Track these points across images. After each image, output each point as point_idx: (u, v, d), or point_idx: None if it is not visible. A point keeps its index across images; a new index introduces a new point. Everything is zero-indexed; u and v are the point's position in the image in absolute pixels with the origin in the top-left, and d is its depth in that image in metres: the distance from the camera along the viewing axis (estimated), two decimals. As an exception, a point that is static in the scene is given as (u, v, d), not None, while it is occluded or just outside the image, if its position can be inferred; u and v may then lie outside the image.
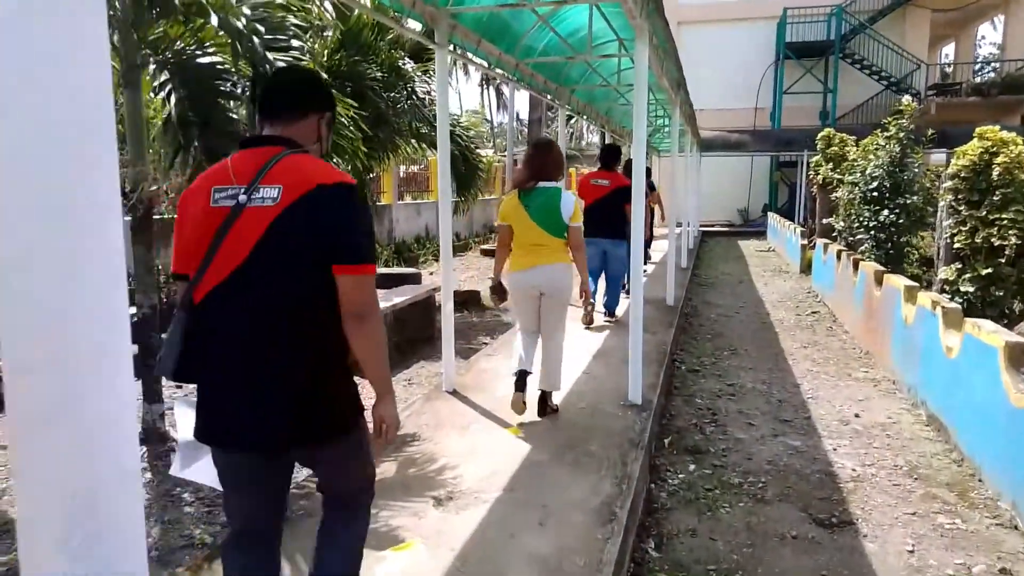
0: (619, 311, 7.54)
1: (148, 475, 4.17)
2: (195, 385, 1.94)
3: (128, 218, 4.28)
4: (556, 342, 4.40)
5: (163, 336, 1.93)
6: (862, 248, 9.03)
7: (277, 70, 2.57)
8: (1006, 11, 22.02)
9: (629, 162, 7.33)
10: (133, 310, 6.65)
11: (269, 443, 1.88)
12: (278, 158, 1.84)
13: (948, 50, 28.63)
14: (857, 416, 5.43)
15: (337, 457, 2.01)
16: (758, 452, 4.70)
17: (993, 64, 25.99)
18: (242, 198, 1.81)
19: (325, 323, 1.87)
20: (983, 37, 33.65)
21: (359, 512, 2.16)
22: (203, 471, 2.01)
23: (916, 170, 8.72)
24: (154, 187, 4.28)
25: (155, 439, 4.49)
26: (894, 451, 4.76)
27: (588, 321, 6.79)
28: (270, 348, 1.83)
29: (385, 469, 3.72)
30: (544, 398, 4.49)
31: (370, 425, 2.05)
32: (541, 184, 4.23)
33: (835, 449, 4.77)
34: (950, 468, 4.47)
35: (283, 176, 1.82)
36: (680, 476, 4.32)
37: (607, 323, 7.33)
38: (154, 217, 4.46)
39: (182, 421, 2.04)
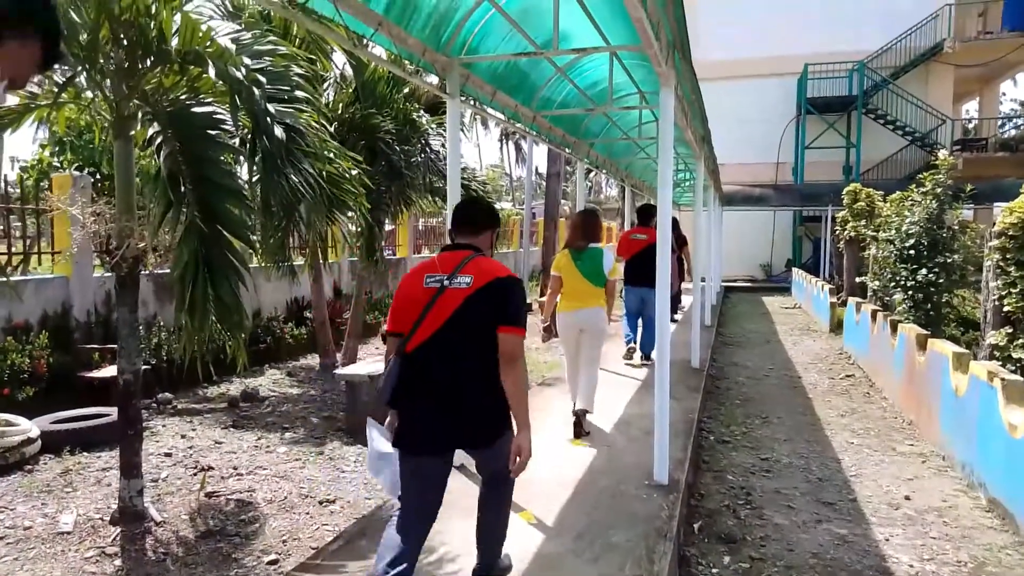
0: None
1: (118, 561, 3.75)
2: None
3: (111, 274, 3.97)
4: (593, 369, 5.40)
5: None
6: (899, 308, 8.53)
7: (466, 200, 3.24)
8: (1031, 67, 21.78)
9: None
10: (112, 373, 6.35)
11: (460, 442, 2.83)
12: (469, 258, 2.78)
13: (970, 106, 28.37)
14: (907, 499, 4.89)
15: (498, 452, 2.79)
16: (800, 542, 4.19)
17: (1016, 120, 25.66)
18: (445, 282, 2.73)
19: (496, 365, 2.74)
20: (1004, 94, 33.40)
21: (503, 488, 2.99)
22: (387, 479, 2.76)
23: (955, 227, 8.27)
24: (141, 244, 3.97)
25: (131, 518, 4.09)
26: (954, 543, 4.22)
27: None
28: (460, 381, 2.72)
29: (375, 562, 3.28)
30: (578, 417, 5.29)
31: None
32: (590, 246, 5.37)
33: (887, 539, 4.24)
34: (1023, 565, 3.93)
35: (473, 270, 2.74)
36: (714, 571, 3.82)
37: (645, 364, 7.80)
38: (140, 274, 4.15)
39: (375, 437, 2.82)
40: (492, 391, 2.73)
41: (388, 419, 2.83)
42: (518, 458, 2.70)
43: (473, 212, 2.98)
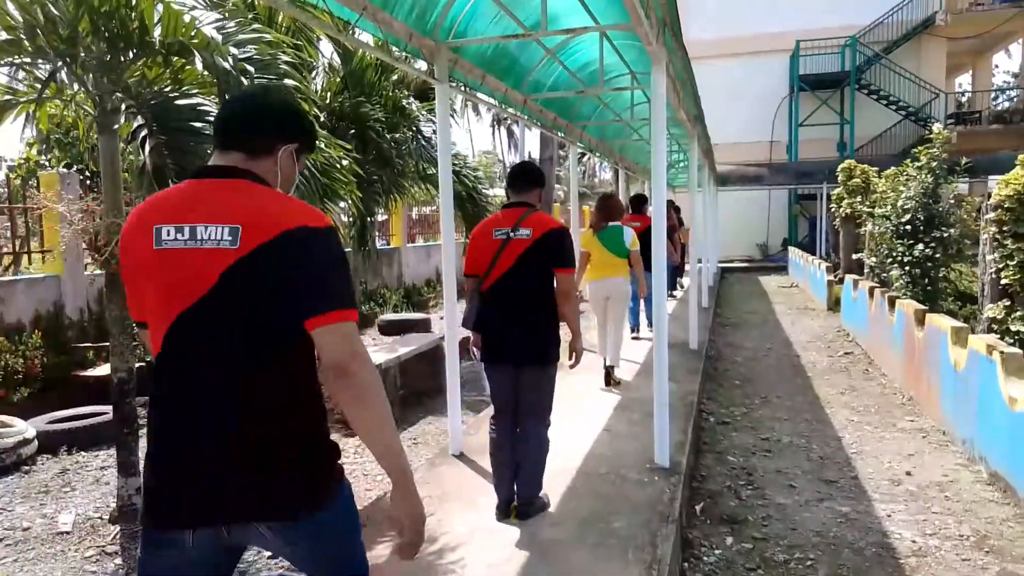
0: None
1: (118, 560, 3.73)
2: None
3: (99, 273, 3.91)
4: (618, 331, 6.45)
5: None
6: (896, 284, 8.51)
7: (517, 165, 3.82)
8: (1024, 38, 21.67)
9: (668, 202, 9.30)
10: (107, 371, 6.30)
11: (520, 360, 3.53)
12: (527, 214, 3.51)
13: (963, 79, 28.25)
14: (909, 474, 4.89)
15: (542, 377, 3.56)
16: (803, 520, 4.18)
17: (1010, 92, 25.53)
18: (511, 233, 3.48)
19: (551, 298, 3.55)
20: (996, 66, 33.03)
21: (543, 420, 3.60)
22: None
23: (951, 201, 8.24)
24: (130, 240, 3.91)
25: (130, 516, 4.05)
26: (956, 517, 4.22)
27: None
28: (523, 310, 3.49)
29: (378, 554, 3.26)
30: (609, 371, 6.31)
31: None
32: (609, 224, 6.29)
33: (889, 515, 4.24)
34: (1025, 538, 3.93)
35: (531, 223, 3.49)
36: (717, 552, 3.81)
37: (646, 339, 8.13)
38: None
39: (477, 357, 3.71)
40: (543, 333, 3.53)
41: (472, 338, 3.70)
42: (575, 355, 3.71)
43: (524, 175, 3.69)
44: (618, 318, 6.43)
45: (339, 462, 1.74)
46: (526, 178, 3.66)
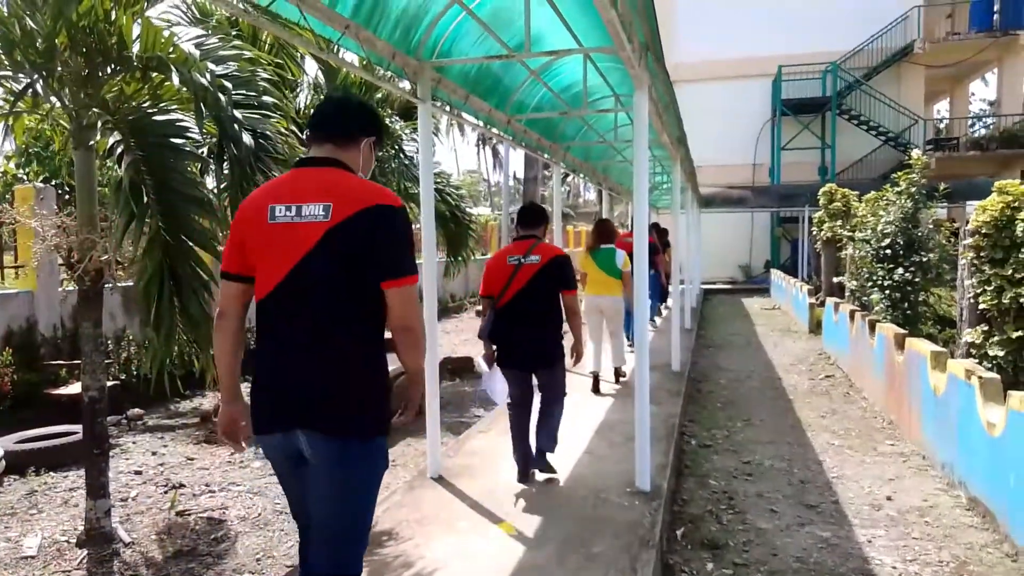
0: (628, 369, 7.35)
1: (84, 586, 3.61)
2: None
3: (73, 288, 3.83)
4: (619, 338, 7.24)
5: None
6: (876, 308, 8.56)
7: (525, 205, 4.57)
8: (1000, 66, 22.10)
9: (655, 224, 10.44)
10: (79, 390, 6.18)
11: (531, 365, 4.35)
12: (535, 244, 4.25)
13: (941, 106, 28.74)
14: (889, 499, 4.87)
15: (553, 374, 4.38)
16: (784, 545, 4.14)
17: (985, 120, 25.99)
18: (522, 260, 4.20)
19: (558, 311, 4.29)
20: (973, 94, 33.64)
21: (556, 403, 4.44)
22: (496, 391, 4.24)
23: (930, 226, 8.32)
24: (104, 256, 3.85)
25: (98, 540, 3.95)
26: (936, 543, 4.20)
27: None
28: (531, 325, 4.21)
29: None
30: (616, 371, 7.29)
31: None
32: (603, 246, 7.12)
33: (870, 541, 4.21)
34: (1004, 564, 3.92)
35: (539, 251, 4.22)
36: (697, 578, 3.76)
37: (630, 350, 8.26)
38: (104, 288, 4.02)
39: (485, 371, 4.30)
40: (548, 342, 4.26)
41: (485, 352, 4.31)
42: (576, 355, 4.46)
43: (532, 213, 4.45)
44: (616, 329, 7.15)
45: (385, 425, 2.16)
46: (534, 216, 4.43)
